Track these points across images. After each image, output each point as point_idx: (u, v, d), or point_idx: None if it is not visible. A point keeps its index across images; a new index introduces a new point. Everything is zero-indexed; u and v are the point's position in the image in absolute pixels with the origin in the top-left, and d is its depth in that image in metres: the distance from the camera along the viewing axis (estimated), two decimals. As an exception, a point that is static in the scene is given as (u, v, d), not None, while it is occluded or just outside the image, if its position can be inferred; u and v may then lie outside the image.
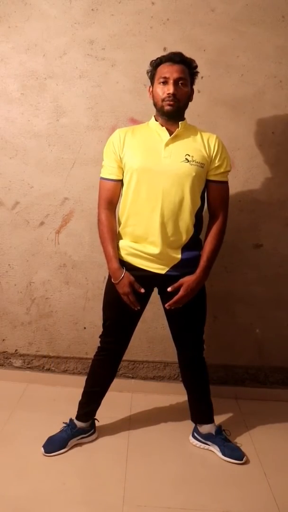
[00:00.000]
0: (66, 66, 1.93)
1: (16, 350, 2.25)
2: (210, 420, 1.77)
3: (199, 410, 1.79)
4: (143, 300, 1.64)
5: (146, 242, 1.54)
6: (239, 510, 1.46)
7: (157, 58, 1.52)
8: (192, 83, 1.55)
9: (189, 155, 1.49)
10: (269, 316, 2.14)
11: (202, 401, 1.77)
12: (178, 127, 1.51)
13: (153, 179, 1.49)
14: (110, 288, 1.62)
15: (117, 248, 1.60)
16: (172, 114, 1.49)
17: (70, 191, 2.04)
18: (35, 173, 2.03)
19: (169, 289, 1.55)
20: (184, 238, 1.55)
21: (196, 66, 1.54)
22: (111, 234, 1.58)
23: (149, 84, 1.56)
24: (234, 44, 1.88)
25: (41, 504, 1.44)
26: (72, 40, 1.90)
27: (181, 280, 1.55)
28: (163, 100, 1.48)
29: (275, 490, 1.55)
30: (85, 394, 1.76)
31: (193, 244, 1.58)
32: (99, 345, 1.73)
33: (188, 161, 1.49)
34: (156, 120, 1.55)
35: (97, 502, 1.46)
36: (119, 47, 1.90)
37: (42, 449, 1.67)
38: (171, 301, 1.55)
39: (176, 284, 1.55)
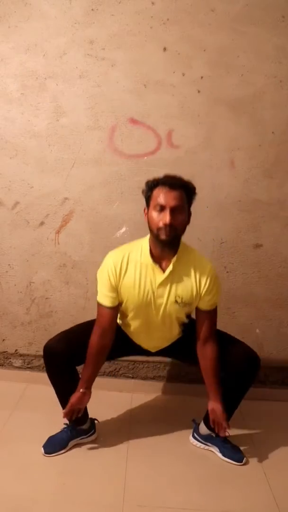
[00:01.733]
0: (66, 66, 1.93)
1: (16, 350, 2.25)
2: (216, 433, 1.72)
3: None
4: (122, 352, 1.77)
5: (139, 343, 1.72)
6: (239, 510, 1.46)
7: (154, 180, 1.47)
8: (190, 206, 1.50)
9: (178, 297, 1.55)
10: (269, 316, 2.14)
11: (227, 411, 1.64)
12: (171, 262, 1.51)
13: (147, 316, 1.60)
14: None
15: (101, 366, 1.64)
16: (168, 244, 1.48)
17: (70, 191, 2.04)
18: (35, 173, 2.03)
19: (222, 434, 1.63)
20: (174, 339, 1.72)
21: (194, 189, 1.49)
22: (96, 360, 1.60)
23: (145, 205, 1.51)
24: (234, 44, 1.87)
25: (41, 504, 1.44)
26: (72, 40, 1.90)
27: (212, 417, 1.62)
28: (159, 229, 1.43)
29: (275, 490, 1.55)
30: (61, 405, 1.69)
31: (181, 336, 1.72)
32: (47, 351, 1.64)
33: (178, 302, 1.56)
34: (150, 248, 1.52)
35: (97, 502, 1.45)
36: (119, 47, 1.90)
37: (42, 450, 1.67)
38: (223, 432, 1.61)
39: (214, 424, 1.62)
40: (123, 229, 2.05)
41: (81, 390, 1.59)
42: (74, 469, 1.61)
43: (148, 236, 1.55)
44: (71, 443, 1.71)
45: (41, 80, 1.94)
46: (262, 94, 1.91)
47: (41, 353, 2.19)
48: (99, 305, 1.60)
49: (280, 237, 2.05)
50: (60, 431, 1.73)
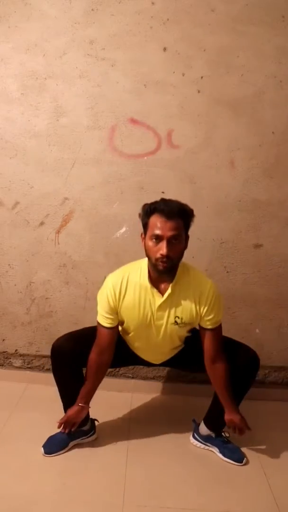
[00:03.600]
0: (66, 66, 1.93)
1: (16, 350, 2.25)
2: (218, 432, 1.74)
3: (216, 420, 1.72)
4: (124, 362, 1.80)
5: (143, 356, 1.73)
6: (239, 510, 1.46)
7: (151, 205, 1.45)
8: (187, 230, 1.49)
9: (178, 317, 1.56)
10: (269, 316, 2.14)
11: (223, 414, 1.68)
12: (169, 285, 1.52)
13: (147, 335, 1.61)
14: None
15: (100, 381, 1.66)
16: (165, 274, 1.48)
17: (70, 191, 2.04)
18: (35, 173, 2.03)
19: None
20: (177, 352, 1.72)
21: (192, 213, 1.47)
22: (95, 375, 1.62)
23: (142, 231, 1.51)
24: (234, 44, 1.87)
25: (41, 504, 1.44)
26: (72, 40, 1.90)
27: (232, 425, 1.62)
28: (156, 259, 1.43)
29: (275, 490, 1.55)
30: (66, 407, 1.69)
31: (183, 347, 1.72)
32: (56, 350, 1.65)
33: (177, 323, 1.56)
34: (148, 272, 1.53)
35: (97, 502, 1.46)
36: (119, 47, 1.90)
37: (42, 450, 1.67)
38: (242, 433, 1.62)
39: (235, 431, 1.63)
40: (123, 229, 2.05)
41: (79, 404, 1.62)
42: (74, 469, 1.61)
43: (146, 260, 1.55)
44: (71, 443, 1.72)
45: (41, 80, 1.94)
46: (262, 94, 1.91)
47: (41, 353, 2.20)
48: (99, 325, 1.61)
49: (280, 237, 2.05)
50: (60, 432, 1.73)
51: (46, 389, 2.01)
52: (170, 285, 1.53)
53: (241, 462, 1.67)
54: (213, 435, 1.74)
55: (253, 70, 1.89)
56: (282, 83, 1.90)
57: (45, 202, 2.05)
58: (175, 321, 1.56)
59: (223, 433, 1.75)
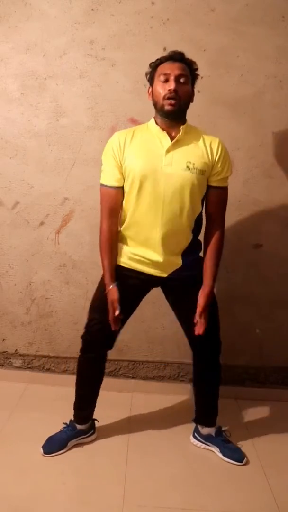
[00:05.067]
0: (66, 66, 1.93)
1: (16, 350, 2.25)
2: (213, 424, 1.76)
3: (205, 413, 1.78)
4: (133, 303, 1.66)
5: (147, 248, 1.54)
6: (239, 510, 1.46)
7: (157, 59, 1.48)
8: (193, 83, 1.50)
9: (190, 162, 1.45)
10: (269, 316, 2.14)
11: (209, 405, 1.76)
12: (179, 130, 1.46)
13: (155, 187, 1.46)
14: (102, 290, 1.61)
15: (117, 254, 1.59)
16: (173, 115, 1.44)
17: (70, 191, 2.04)
18: (35, 173, 2.03)
19: (196, 320, 1.58)
20: (184, 244, 1.56)
21: (197, 68, 1.50)
22: (110, 246, 1.56)
23: (149, 85, 1.52)
24: (234, 44, 1.88)
25: (41, 504, 1.44)
26: (72, 40, 1.90)
27: (199, 304, 1.57)
28: (164, 97, 1.42)
29: (275, 490, 1.55)
30: (78, 398, 1.74)
31: (192, 248, 1.59)
32: (82, 346, 1.69)
33: (189, 169, 1.45)
34: (156, 122, 1.49)
35: (97, 502, 1.46)
36: (119, 47, 1.90)
37: (41, 450, 1.67)
38: (200, 328, 1.57)
39: (198, 312, 1.57)
40: (123, 229, 2.05)
41: (111, 287, 1.56)
42: (74, 469, 1.61)
43: (152, 117, 1.52)
44: (71, 443, 1.72)
45: (41, 80, 1.94)
46: (262, 94, 1.91)
47: (41, 353, 2.20)
48: (103, 187, 1.54)
49: (280, 237, 2.05)
50: (60, 431, 1.73)
51: (46, 389, 2.02)
52: (181, 127, 1.46)
53: (242, 462, 1.67)
54: (213, 433, 1.74)
55: (253, 70, 1.89)
56: (282, 83, 1.90)
57: (45, 202, 2.05)
58: (187, 166, 1.45)
59: (223, 432, 1.76)
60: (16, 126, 1.99)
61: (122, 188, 1.53)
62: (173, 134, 1.48)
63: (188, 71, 1.46)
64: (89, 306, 1.70)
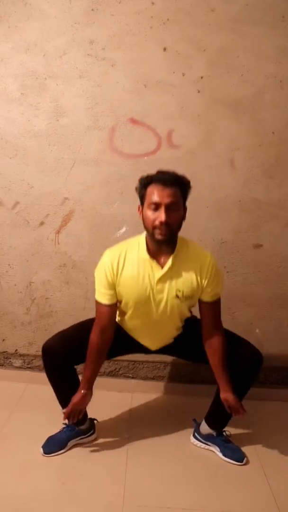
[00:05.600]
0: (66, 66, 1.93)
1: (16, 350, 2.25)
2: (220, 430, 1.74)
3: (220, 419, 1.72)
4: (123, 349, 1.75)
5: (140, 340, 1.69)
6: (239, 510, 1.46)
7: (147, 177, 1.44)
8: (185, 201, 1.47)
9: (179, 291, 1.52)
10: (269, 316, 2.14)
11: (226, 414, 1.64)
12: (170, 257, 1.49)
13: (147, 311, 1.56)
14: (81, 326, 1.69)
15: (102, 363, 1.63)
16: (165, 243, 1.46)
17: (70, 191, 2.04)
18: (35, 173, 2.03)
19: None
20: (175, 336, 1.69)
21: (189, 183, 1.46)
22: (96, 359, 1.58)
23: (139, 203, 1.49)
24: (234, 44, 1.87)
25: (41, 504, 1.44)
26: (72, 40, 1.90)
27: (227, 404, 1.57)
28: (154, 228, 1.41)
29: (275, 490, 1.55)
30: (61, 405, 1.69)
31: (183, 333, 1.70)
32: (46, 351, 1.63)
33: (179, 297, 1.53)
34: (147, 244, 1.50)
35: (97, 502, 1.45)
36: (119, 47, 1.90)
37: (41, 450, 1.67)
38: (240, 414, 1.56)
39: (230, 410, 1.58)
40: (123, 229, 2.05)
41: (82, 391, 1.58)
42: (74, 469, 1.61)
43: (145, 233, 1.53)
44: (70, 443, 1.72)
45: (41, 80, 1.94)
46: (262, 94, 1.91)
47: (41, 353, 2.19)
48: (97, 303, 1.58)
49: (280, 237, 2.05)
50: (59, 431, 1.73)
51: (46, 389, 2.00)
52: (171, 256, 1.49)
53: (242, 462, 1.67)
54: (214, 433, 1.74)
55: (253, 70, 1.89)
56: (282, 83, 1.90)
57: (45, 202, 2.05)
58: (176, 295, 1.52)
59: (224, 432, 1.75)
60: (16, 126, 1.99)
61: (115, 303, 1.58)
62: (163, 259, 1.51)
63: (180, 193, 1.43)
64: (77, 324, 1.75)
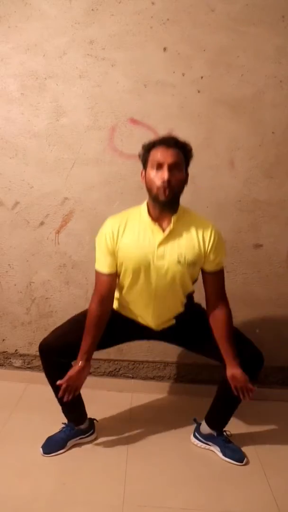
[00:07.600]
0: (66, 66, 1.93)
1: (16, 350, 2.25)
2: (220, 430, 1.74)
3: (220, 419, 1.73)
4: (119, 338, 1.71)
5: (140, 318, 1.64)
6: (239, 510, 1.46)
7: (150, 142, 1.45)
8: (187, 166, 1.47)
9: (181, 255, 1.48)
10: (269, 316, 2.14)
11: (227, 413, 1.70)
12: (171, 221, 1.46)
13: (147, 278, 1.52)
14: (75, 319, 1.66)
15: (102, 333, 1.57)
16: (167, 204, 1.44)
17: (70, 191, 2.04)
18: (35, 173, 2.03)
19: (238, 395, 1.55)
20: (176, 313, 1.63)
21: (191, 150, 1.47)
22: (94, 329, 1.54)
23: (142, 168, 1.49)
24: (234, 44, 1.87)
25: (41, 504, 1.44)
26: (72, 40, 1.90)
27: (234, 384, 1.54)
28: (157, 188, 1.40)
29: (275, 490, 1.55)
30: (60, 403, 1.67)
31: (185, 312, 1.65)
32: (43, 349, 1.62)
33: (180, 262, 1.48)
34: (148, 209, 1.49)
35: (97, 502, 1.46)
36: (119, 47, 1.90)
37: (41, 450, 1.67)
38: (249, 395, 1.53)
39: (237, 390, 1.54)
40: (123, 229, 2.05)
41: (80, 363, 1.53)
42: (74, 469, 1.61)
43: (145, 201, 1.52)
44: (70, 443, 1.72)
45: (41, 80, 1.94)
46: (262, 94, 1.91)
47: (41, 353, 2.17)
48: (97, 272, 1.56)
49: (280, 237, 2.05)
50: (59, 431, 1.73)
51: (46, 389, 2.00)
52: (172, 218, 1.47)
53: (242, 462, 1.67)
54: (215, 433, 1.73)
55: (253, 70, 1.89)
56: (282, 83, 1.90)
57: (45, 202, 2.05)
58: (178, 260, 1.48)
59: (224, 432, 1.75)
60: (16, 126, 1.99)
61: (115, 273, 1.55)
62: (165, 224, 1.49)
63: (182, 156, 1.43)
64: (70, 320, 1.73)
